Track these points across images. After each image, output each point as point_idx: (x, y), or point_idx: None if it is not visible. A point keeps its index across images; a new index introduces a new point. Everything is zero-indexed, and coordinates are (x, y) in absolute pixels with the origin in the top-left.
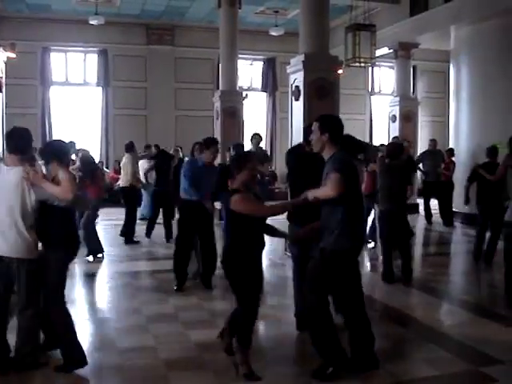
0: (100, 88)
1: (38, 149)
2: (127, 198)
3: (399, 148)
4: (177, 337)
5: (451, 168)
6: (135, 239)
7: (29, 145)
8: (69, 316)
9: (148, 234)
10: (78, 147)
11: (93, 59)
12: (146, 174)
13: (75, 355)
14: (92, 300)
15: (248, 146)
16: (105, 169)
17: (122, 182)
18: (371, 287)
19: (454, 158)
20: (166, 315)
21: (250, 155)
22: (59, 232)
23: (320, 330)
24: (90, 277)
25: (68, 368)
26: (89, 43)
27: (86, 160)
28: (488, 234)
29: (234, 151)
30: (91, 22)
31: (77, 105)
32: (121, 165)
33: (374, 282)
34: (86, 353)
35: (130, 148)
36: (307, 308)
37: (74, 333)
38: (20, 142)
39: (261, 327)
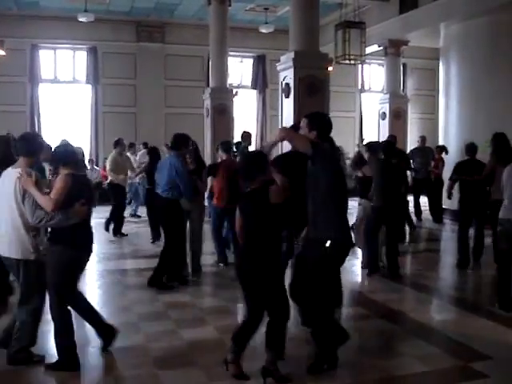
0: (89, 85)
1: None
2: (111, 194)
3: (393, 146)
4: (167, 335)
5: (440, 166)
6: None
7: (37, 148)
8: (67, 319)
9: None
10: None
11: (82, 56)
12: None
13: (68, 358)
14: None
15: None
16: (95, 167)
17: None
18: (361, 284)
19: (443, 155)
20: (157, 313)
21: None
22: (62, 232)
23: (326, 325)
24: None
25: (58, 368)
26: (78, 40)
27: None
28: (471, 232)
29: (223, 148)
30: (80, 19)
31: (66, 102)
32: None
33: (364, 279)
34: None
35: (115, 144)
36: (315, 302)
37: (71, 336)
38: (27, 145)
39: None
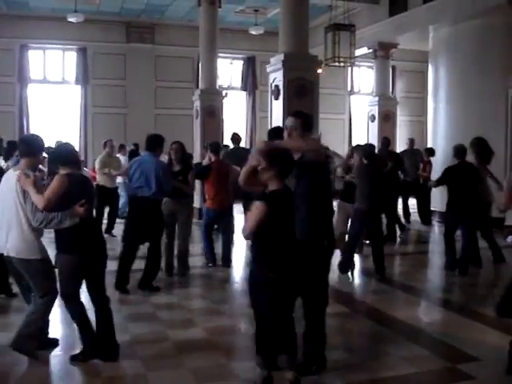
0: (79, 86)
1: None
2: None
3: (373, 149)
4: (156, 336)
5: (427, 169)
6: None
7: (37, 149)
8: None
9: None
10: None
11: (72, 57)
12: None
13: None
14: None
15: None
16: (84, 168)
17: None
18: (351, 286)
19: (431, 158)
20: (145, 314)
21: None
22: (68, 240)
23: (323, 326)
24: None
25: (84, 357)
26: (68, 41)
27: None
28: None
29: (212, 148)
30: (70, 20)
31: (55, 103)
32: None
33: (353, 281)
34: (61, 352)
35: (104, 145)
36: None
37: (87, 326)
38: (28, 148)
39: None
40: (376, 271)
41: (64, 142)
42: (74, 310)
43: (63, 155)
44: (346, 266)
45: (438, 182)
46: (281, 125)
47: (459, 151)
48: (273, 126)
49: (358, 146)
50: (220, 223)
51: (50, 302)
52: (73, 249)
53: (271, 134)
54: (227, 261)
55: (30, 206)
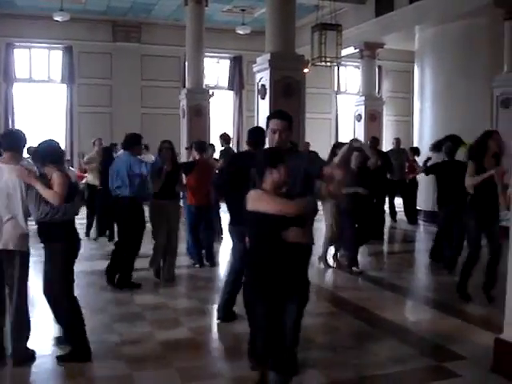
0: (65, 85)
1: (28, 149)
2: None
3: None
4: (142, 336)
5: (417, 169)
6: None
7: (21, 143)
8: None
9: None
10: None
11: (57, 56)
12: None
13: (81, 347)
14: None
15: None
16: (70, 168)
17: None
18: (336, 284)
19: (417, 158)
20: (131, 314)
21: None
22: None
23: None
24: None
25: (70, 359)
26: (53, 39)
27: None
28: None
29: (196, 147)
30: (56, 18)
31: (41, 102)
32: None
33: (339, 279)
34: (44, 352)
35: (93, 144)
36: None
37: (82, 323)
38: (13, 141)
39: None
40: (348, 264)
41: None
42: (69, 307)
43: (49, 153)
44: (355, 262)
45: (428, 171)
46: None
47: (452, 151)
48: (253, 127)
49: (340, 143)
50: (202, 220)
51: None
52: (67, 237)
53: (252, 134)
54: (211, 258)
55: (32, 199)
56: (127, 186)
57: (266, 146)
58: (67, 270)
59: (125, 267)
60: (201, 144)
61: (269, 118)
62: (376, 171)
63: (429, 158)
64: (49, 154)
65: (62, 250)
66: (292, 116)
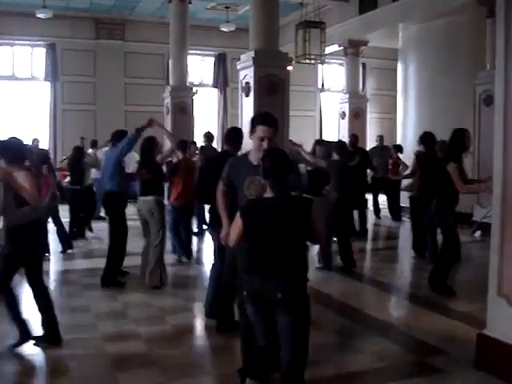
0: (48, 83)
1: None
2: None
3: (345, 146)
4: (125, 334)
5: (402, 166)
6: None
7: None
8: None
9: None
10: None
11: (40, 53)
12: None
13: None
14: None
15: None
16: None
17: None
18: (321, 282)
19: (400, 155)
20: (115, 312)
21: None
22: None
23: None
24: None
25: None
26: (36, 37)
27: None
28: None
29: (179, 147)
30: (39, 16)
31: (24, 100)
32: None
33: (322, 275)
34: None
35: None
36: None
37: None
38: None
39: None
40: (345, 264)
41: (39, 141)
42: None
43: (12, 152)
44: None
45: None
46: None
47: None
48: (232, 127)
49: (322, 141)
50: (185, 220)
51: None
52: (21, 239)
53: (231, 134)
54: (188, 252)
55: (11, 200)
56: (116, 180)
57: (249, 148)
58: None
59: (111, 266)
60: (183, 143)
61: (255, 123)
62: (356, 169)
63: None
64: (11, 152)
65: (5, 251)
66: (276, 114)
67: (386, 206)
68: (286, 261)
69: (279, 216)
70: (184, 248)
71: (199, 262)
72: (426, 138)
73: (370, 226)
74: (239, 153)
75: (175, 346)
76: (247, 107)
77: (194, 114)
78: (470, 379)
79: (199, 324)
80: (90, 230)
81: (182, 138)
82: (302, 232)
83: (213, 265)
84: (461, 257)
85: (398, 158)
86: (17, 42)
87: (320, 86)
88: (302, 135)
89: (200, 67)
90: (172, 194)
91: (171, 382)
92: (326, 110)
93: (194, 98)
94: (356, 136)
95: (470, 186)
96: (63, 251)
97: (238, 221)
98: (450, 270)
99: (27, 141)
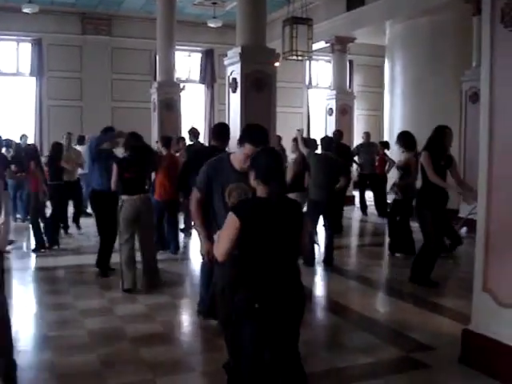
0: (34, 78)
1: None
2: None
3: (329, 140)
4: (112, 331)
5: (389, 162)
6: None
7: None
8: None
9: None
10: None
11: (26, 48)
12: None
13: None
14: (24, 295)
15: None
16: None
17: None
18: (307, 278)
19: (387, 151)
20: (101, 309)
21: None
22: None
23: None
24: (23, 271)
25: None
26: (22, 32)
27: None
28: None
29: (162, 143)
30: (25, 10)
31: (9, 95)
32: None
33: (306, 272)
34: (16, 350)
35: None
36: None
37: None
38: None
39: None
40: (324, 261)
41: (27, 136)
42: None
43: None
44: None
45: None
46: (238, 118)
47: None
48: (218, 122)
49: (307, 138)
50: (168, 216)
51: None
52: None
53: (218, 130)
54: (176, 246)
55: None
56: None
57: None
58: None
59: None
60: (166, 139)
61: (244, 139)
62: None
63: None
64: None
65: None
66: (263, 110)
67: (373, 203)
68: (289, 268)
69: (280, 217)
70: (165, 243)
71: (186, 258)
72: (405, 140)
73: (356, 222)
74: (227, 148)
75: (163, 343)
76: (234, 103)
77: (182, 110)
78: (455, 374)
79: (186, 321)
80: (78, 227)
81: (166, 134)
82: (298, 235)
83: (202, 262)
84: (446, 251)
85: (385, 155)
86: (2, 36)
87: (307, 82)
88: (289, 132)
89: (187, 63)
90: (156, 190)
91: (159, 378)
92: (313, 106)
93: (181, 94)
94: (341, 132)
95: (441, 180)
96: (48, 247)
97: (231, 224)
98: (433, 263)
99: (15, 137)
